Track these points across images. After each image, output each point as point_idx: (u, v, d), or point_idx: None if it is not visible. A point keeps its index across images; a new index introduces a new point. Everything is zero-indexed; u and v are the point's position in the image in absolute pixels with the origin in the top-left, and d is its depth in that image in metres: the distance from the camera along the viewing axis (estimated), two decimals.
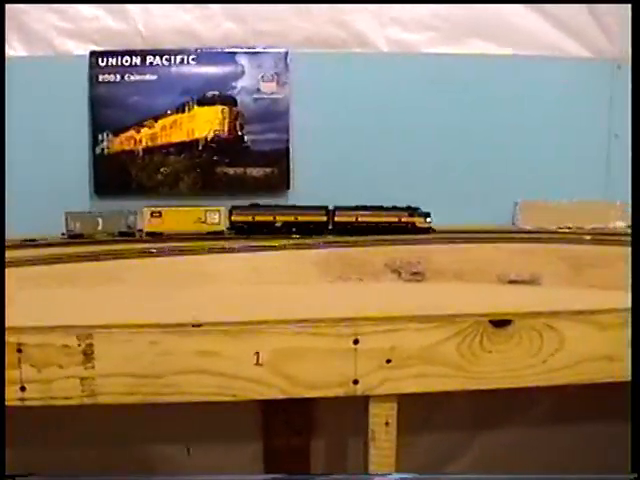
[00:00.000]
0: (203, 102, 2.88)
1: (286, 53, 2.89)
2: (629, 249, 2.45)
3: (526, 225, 2.95)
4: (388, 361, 1.79)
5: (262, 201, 2.78)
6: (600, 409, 2.75)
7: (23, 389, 1.68)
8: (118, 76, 2.84)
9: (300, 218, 2.70)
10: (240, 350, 1.73)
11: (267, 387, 1.75)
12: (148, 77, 2.85)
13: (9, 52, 2.78)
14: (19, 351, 1.67)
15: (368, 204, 2.73)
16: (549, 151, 3.04)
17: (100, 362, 1.70)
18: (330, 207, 2.74)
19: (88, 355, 1.70)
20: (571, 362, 1.86)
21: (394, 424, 1.86)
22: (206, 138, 2.89)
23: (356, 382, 1.78)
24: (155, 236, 2.68)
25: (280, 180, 2.94)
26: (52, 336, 1.68)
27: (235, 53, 2.88)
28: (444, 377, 1.82)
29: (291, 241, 2.56)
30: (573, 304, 1.93)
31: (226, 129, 2.89)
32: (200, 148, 2.89)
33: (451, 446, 2.95)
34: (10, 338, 1.66)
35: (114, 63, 2.84)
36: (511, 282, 2.33)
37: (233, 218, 2.71)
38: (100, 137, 2.86)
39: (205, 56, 2.87)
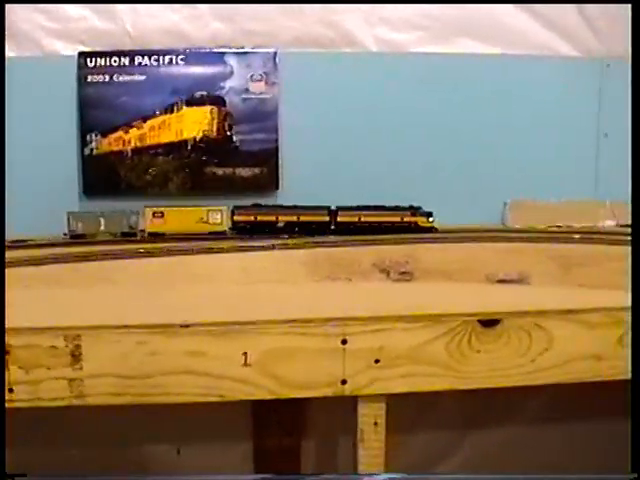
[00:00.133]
0: (192, 102, 2.87)
1: (275, 53, 2.89)
2: (618, 248, 2.47)
3: (515, 224, 2.95)
4: (376, 361, 1.78)
5: (251, 201, 2.77)
6: (590, 408, 2.77)
7: (11, 391, 1.68)
8: (107, 77, 2.84)
9: (302, 218, 2.70)
10: (228, 350, 1.73)
11: (255, 387, 1.74)
12: (137, 77, 2.85)
13: None
14: (7, 352, 1.66)
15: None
16: (538, 150, 3.05)
17: (88, 363, 1.69)
18: (332, 207, 2.73)
19: (76, 356, 1.69)
20: (560, 361, 1.86)
21: (383, 424, 1.85)
22: (195, 138, 2.88)
23: (344, 382, 1.78)
24: (157, 236, 2.68)
25: (269, 180, 2.93)
26: (40, 337, 1.67)
27: (224, 53, 2.88)
28: (433, 377, 1.82)
29: (280, 241, 2.56)
30: (562, 303, 1.93)
31: (215, 129, 2.89)
32: (189, 148, 2.89)
33: (442, 445, 2.96)
34: None
35: (103, 64, 2.83)
36: (500, 281, 2.33)
37: (235, 218, 2.70)
38: (89, 138, 2.85)
39: (194, 56, 2.87)
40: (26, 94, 2.78)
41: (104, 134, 2.86)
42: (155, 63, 2.85)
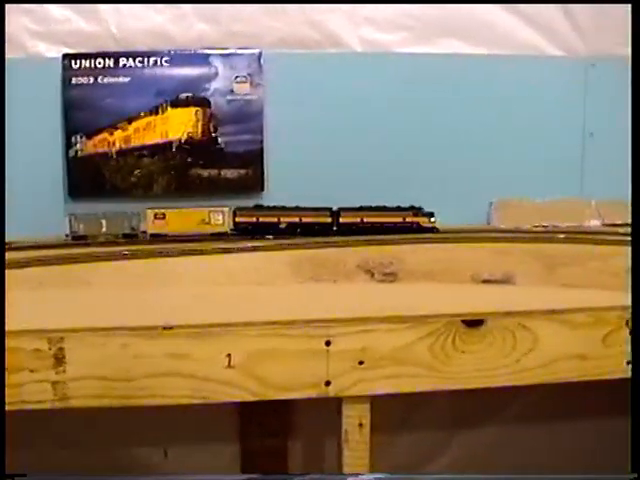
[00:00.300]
0: (177, 104, 2.86)
1: (260, 54, 2.88)
2: (603, 248, 2.48)
3: (501, 224, 2.95)
4: (360, 362, 1.78)
5: (236, 203, 2.76)
6: (576, 407, 2.78)
7: None
8: (91, 78, 2.82)
9: (304, 219, 2.69)
10: (211, 352, 1.73)
11: (239, 389, 1.75)
12: (121, 79, 2.83)
13: None
14: None
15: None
16: (524, 150, 3.04)
17: (71, 366, 1.69)
18: (334, 208, 2.73)
19: (59, 359, 1.69)
20: (545, 361, 1.86)
21: (367, 425, 1.86)
22: (180, 140, 2.87)
23: (328, 384, 1.78)
24: (159, 237, 2.67)
25: (254, 181, 2.92)
26: (23, 340, 1.67)
27: (208, 55, 2.87)
28: (417, 378, 1.82)
29: (263, 242, 2.56)
30: (547, 303, 1.94)
31: (200, 131, 2.87)
32: (174, 150, 2.88)
33: (430, 446, 2.96)
34: None
35: (87, 65, 2.81)
36: (484, 282, 2.33)
37: (237, 219, 2.70)
38: (73, 139, 2.83)
39: (178, 58, 2.86)
40: (10, 96, 2.76)
41: (89, 136, 2.84)
42: (140, 65, 2.83)
